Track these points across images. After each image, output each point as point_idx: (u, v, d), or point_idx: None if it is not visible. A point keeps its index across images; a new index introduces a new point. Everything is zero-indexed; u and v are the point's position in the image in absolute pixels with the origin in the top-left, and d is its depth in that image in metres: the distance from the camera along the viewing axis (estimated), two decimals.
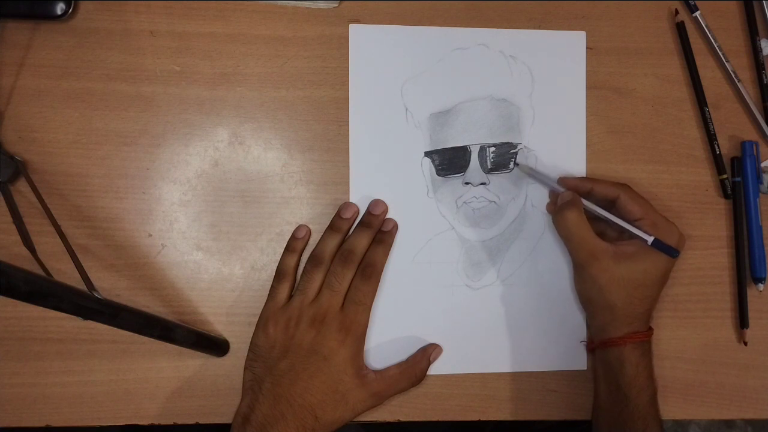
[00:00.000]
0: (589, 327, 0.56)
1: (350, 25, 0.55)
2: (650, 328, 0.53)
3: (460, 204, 0.56)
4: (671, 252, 0.51)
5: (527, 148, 0.57)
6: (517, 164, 0.56)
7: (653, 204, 0.53)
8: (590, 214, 0.53)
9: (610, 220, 0.52)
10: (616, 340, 0.52)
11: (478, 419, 0.56)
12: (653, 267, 0.51)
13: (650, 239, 0.51)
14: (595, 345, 0.54)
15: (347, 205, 0.54)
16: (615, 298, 0.51)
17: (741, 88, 0.59)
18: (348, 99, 0.55)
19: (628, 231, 0.51)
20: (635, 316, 0.51)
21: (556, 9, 0.58)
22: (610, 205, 0.53)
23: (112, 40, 0.54)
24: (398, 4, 0.56)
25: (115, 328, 0.41)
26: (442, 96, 0.56)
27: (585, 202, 0.53)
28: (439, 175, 0.56)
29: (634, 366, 0.51)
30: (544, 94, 0.57)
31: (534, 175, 0.56)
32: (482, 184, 0.56)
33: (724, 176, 0.58)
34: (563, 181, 0.55)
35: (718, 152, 0.58)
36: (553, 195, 0.57)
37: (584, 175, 0.57)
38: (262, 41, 0.55)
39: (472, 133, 0.56)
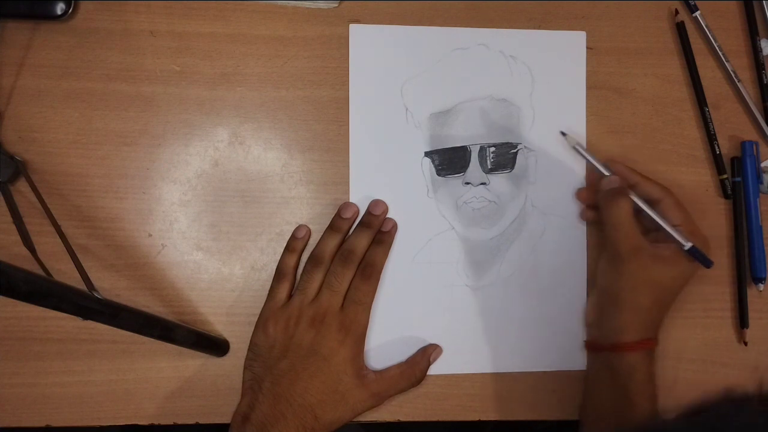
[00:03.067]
0: (591, 326, 0.56)
1: (350, 25, 0.55)
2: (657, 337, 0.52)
3: (460, 204, 0.56)
4: (706, 262, 0.51)
5: (527, 148, 0.57)
6: (564, 134, 0.56)
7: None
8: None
9: (654, 218, 0.51)
10: (631, 344, 0.50)
11: (478, 419, 0.56)
12: (681, 275, 0.51)
13: (688, 245, 0.50)
14: (603, 347, 0.52)
15: (347, 205, 0.54)
16: (644, 300, 0.50)
17: (741, 88, 0.59)
18: (348, 99, 0.55)
19: (668, 234, 0.51)
20: (653, 322, 0.51)
21: (556, 9, 0.58)
22: (652, 206, 0.53)
23: (112, 40, 0.54)
24: (398, 4, 0.56)
25: (115, 328, 0.41)
26: (442, 96, 0.56)
27: (631, 194, 0.52)
28: (439, 175, 0.56)
29: (644, 374, 0.50)
30: (544, 94, 0.57)
31: (581, 151, 0.55)
32: (482, 184, 0.56)
33: (724, 176, 0.58)
34: (613, 164, 0.54)
35: (718, 152, 0.58)
36: (591, 179, 0.56)
37: (584, 176, 0.57)
38: (262, 41, 0.55)
39: (472, 133, 0.56)
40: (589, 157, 0.55)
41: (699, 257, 0.51)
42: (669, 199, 0.52)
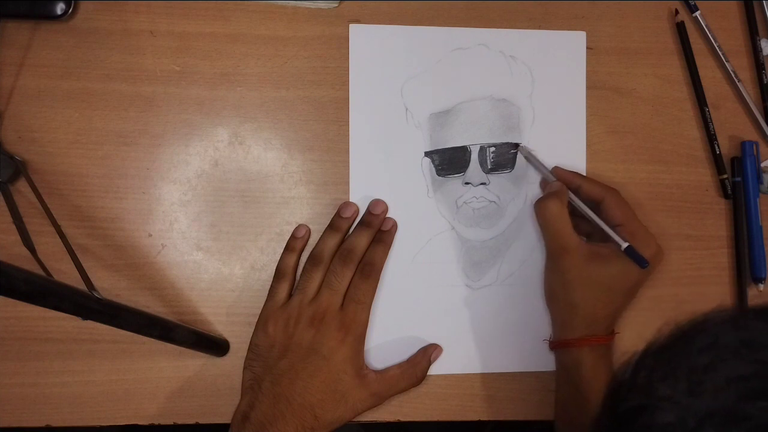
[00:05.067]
0: (552, 325, 0.56)
1: (350, 25, 0.55)
2: (613, 333, 0.53)
3: (460, 204, 0.56)
4: (641, 262, 0.50)
5: (527, 148, 0.57)
6: (519, 145, 0.56)
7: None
8: (575, 211, 0.53)
9: (590, 218, 0.52)
10: (573, 341, 0.52)
11: (478, 419, 0.56)
12: (623, 274, 0.51)
13: (624, 245, 0.50)
14: (552, 344, 0.54)
15: (347, 204, 0.54)
16: (578, 297, 0.51)
17: (741, 88, 0.59)
18: (348, 99, 0.55)
19: (605, 233, 0.51)
20: (595, 319, 0.51)
21: (556, 9, 0.58)
22: (596, 206, 0.53)
23: (112, 40, 0.54)
24: (398, 4, 0.56)
25: (115, 328, 0.41)
26: (442, 96, 0.56)
27: (571, 196, 0.53)
28: (439, 175, 0.56)
29: (590, 369, 0.51)
30: (544, 94, 0.57)
31: (531, 159, 0.56)
32: (482, 184, 0.56)
33: (724, 176, 0.58)
34: (556, 171, 0.55)
35: (718, 152, 0.58)
36: (544, 185, 0.56)
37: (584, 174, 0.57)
38: (262, 41, 0.55)
39: (472, 133, 0.56)
40: (538, 166, 0.56)
41: (634, 257, 0.50)
42: (611, 199, 0.53)
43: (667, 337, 0.31)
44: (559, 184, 0.53)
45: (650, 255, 0.51)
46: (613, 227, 0.52)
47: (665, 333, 0.32)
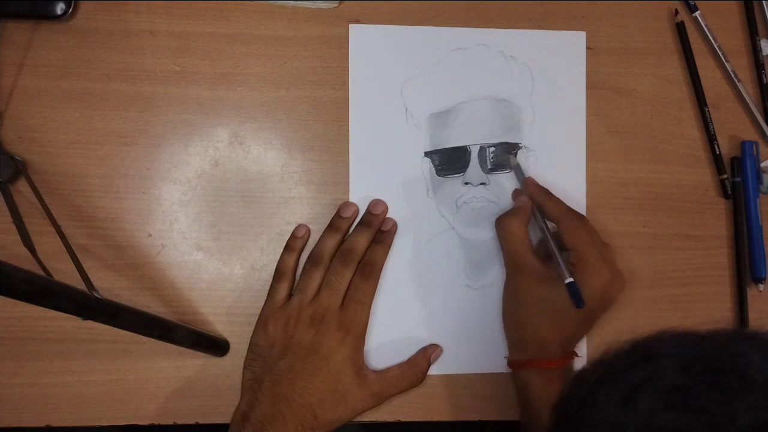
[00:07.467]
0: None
1: (350, 25, 0.55)
2: (570, 355, 0.52)
3: (460, 204, 0.56)
4: (577, 301, 0.48)
5: (527, 148, 0.57)
6: (514, 153, 0.56)
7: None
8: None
9: (546, 240, 0.52)
10: (520, 362, 0.51)
11: (478, 419, 0.56)
12: (568, 301, 0.49)
13: (567, 279, 0.49)
14: (508, 364, 0.54)
15: (347, 204, 0.55)
16: (525, 318, 0.51)
17: (741, 88, 0.59)
18: (348, 99, 0.55)
19: (557, 260, 0.50)
20: (542, 342, 0.50)
21: (556, 9, 0.58)
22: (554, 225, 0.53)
23: (112, 40, 0.54)
24: (398, 4, 0.56)
25: (115, 328, 0.41)
26: (442, 96, 0.56)
27: (537, 215, 0.53)
28: (439, 175, 0.56)
29: (538, 391, 0.50)
30: (544, 94, 0.57)
31: (516, 172, 0.55)
32: (482, 184, 0.56)
33: (724, 176, 0.58)
34: (528, 183, 0.54)
35: (718, 152, 0.58)
36: (515, 196, 0.56)
37: (584, 176, 0.57)
38: (262, 41, 0.55)
39: (472, 133, 0.56)
40: (518, 178, 0.55)
41: (572, 293, 0.48)
42: (565, 224, 0.51)
43: (609, 353, 0.32)
44: (524, 201, 0.53)
45: (599, 284, 0.49)
46: (566, 251, 0.51)
47: (610, 350, 0.32)
